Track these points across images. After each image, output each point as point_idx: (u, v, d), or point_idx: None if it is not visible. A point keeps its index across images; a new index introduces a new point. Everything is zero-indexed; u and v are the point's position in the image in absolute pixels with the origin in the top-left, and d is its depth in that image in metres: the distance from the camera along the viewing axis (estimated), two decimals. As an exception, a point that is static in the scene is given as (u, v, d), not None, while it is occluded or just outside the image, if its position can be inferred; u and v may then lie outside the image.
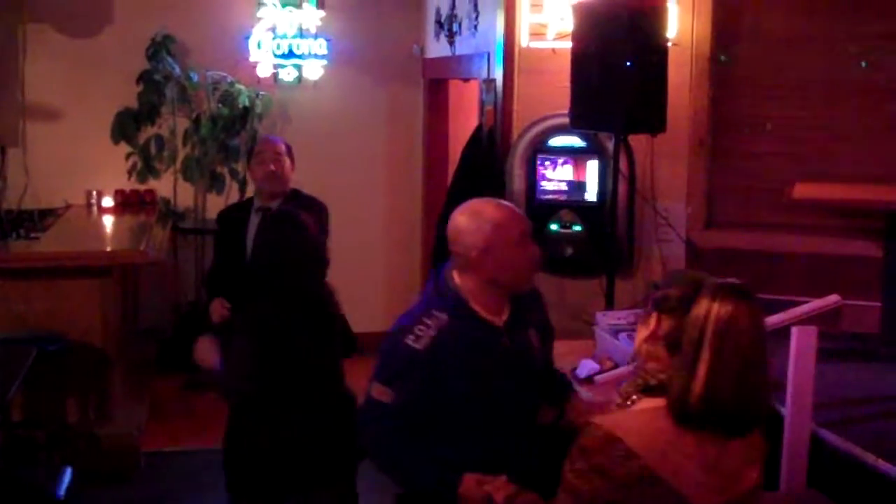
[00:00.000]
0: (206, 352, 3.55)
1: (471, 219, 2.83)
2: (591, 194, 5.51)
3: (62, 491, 3.75)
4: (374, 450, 2.90)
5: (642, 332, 2.35)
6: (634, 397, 2.31)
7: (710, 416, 2.17)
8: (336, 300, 3.74)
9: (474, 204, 2.89)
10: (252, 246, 3.87)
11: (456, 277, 2.87)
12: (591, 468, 2.19)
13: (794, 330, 3.74)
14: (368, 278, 7.51)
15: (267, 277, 3.51)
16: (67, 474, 3.89)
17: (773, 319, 4.00)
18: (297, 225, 3.56)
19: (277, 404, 3.46)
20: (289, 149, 4.80)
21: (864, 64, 5.28)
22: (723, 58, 5.50)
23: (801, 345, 3.72)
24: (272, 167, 4.66)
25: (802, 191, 5.01)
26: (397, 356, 2.79)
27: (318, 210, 4.63)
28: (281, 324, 3.43)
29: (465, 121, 7.03)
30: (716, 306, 2.14)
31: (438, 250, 5.91)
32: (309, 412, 3.50)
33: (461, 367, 2.80)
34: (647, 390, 2.29)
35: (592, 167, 5.51)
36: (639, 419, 2.25)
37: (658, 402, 2.24)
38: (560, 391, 3.17)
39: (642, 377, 2.32)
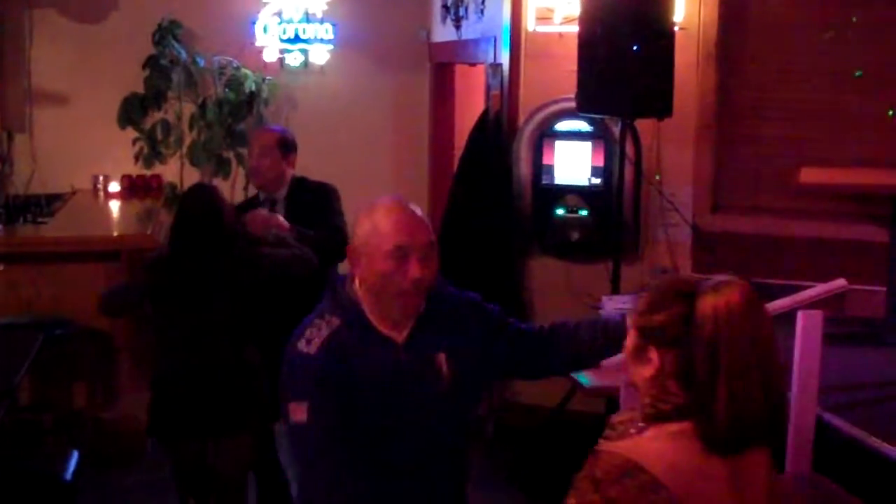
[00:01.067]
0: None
1: (364, 213, 2.55)
2: (598, 179, 5.50)
3: (69, 474, 3.76)
4: (315, 485, 2.51)
5: (642, 370, 2.01)
6: (641, 425, 2.00)
7: (744, 435, 1.91)
8: (255, 266, 4.01)
9: (381, 200, 2.58)
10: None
11: (354, 282, 2.57)
12: (605, 501, 1.88)
13: (800, 314, 3.73)
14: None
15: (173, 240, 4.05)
16: (75, 458, 3.91)
17: (778, 304, 4.01)
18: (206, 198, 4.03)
19: (171, 354, 3.98)
20: (282, 141, 4.66)
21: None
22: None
23: (807, 329, 3.72)
24: (254, 162, 4.63)
25: (809, 175, 5.01)
26: (294, 366, 2.49)
27: (324, 193, 4.68)
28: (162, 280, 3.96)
29: (471, 105, 7.01)
30: (721, 308, 1.89)
31: (444, 236, 5.92)
32: (201, 364, 3.92)
33: (352, 378, 2.47)
34: (660, 418, 1.97)
35: (599, 152, 5.50)
36: (658, 445, 1.94)
37: (676, 426, 1.94)
38: None
39: (651, 406, 1.99)
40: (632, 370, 2.05)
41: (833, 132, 5.45)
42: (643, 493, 1.86)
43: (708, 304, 1.90)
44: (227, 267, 3.92)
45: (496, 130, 5.74)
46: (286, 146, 4.66)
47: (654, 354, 1.98)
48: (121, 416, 5.47)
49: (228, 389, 3.92)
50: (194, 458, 3.99)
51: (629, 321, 2.06)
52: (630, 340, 2.04)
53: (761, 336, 1.90)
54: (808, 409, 3.76)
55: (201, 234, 3.92)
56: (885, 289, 4.96)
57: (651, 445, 1.93)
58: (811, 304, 3.89)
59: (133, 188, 7.26)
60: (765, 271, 5.30)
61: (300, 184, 4.69)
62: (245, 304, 3.98)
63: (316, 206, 4.57)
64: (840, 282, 3.96)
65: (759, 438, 1.95)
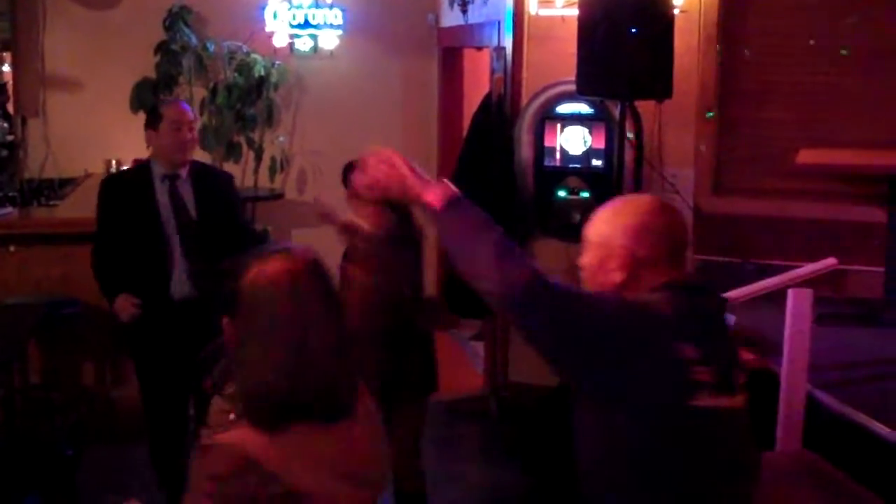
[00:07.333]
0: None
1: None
2: (599, 161, 5.54)
3: (70, 449, 3.85)
4: None
5: None
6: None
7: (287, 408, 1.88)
8: None
9: None
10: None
11: None
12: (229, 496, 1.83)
13: (790, 292, 3.78)
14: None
15: None
16: (77, 433, 3.99)
17: (769, 282, 4.06)
18: None
19: None
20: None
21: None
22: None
23: (797, 307, 3.76)
24: (189, 135, 4.47)
25: (807, 157, 5.03)
26: None
27: (225, 179, 4.74)
28: None
29: (479, 89, 7.05)
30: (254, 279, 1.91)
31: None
32: None
33: None
34: None
35: (600, 134, 5.54)
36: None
37: None
38: None
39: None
40: None
41: (834, 114, 5.47)
42: (262, 486, 1.83)
43: (247, 276, 1.92)
44: None
45: (499, 113, 5.79)
46: None
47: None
48: (129, 395, 5.55)
49: None
50: None
51: None
52: None
53: (294, 305, 1.90)
54: (797, 386, 3.81)
55: None
56: (883, 269, 4.99)
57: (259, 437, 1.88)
58: (802, 283, 3.93)
59: (145, 172, 7.33)
60: (765, 252, 5.34)
61: (201, 165, 4.71)
62: None
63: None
64: (830, 260, 4.01)
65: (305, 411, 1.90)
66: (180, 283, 4.35)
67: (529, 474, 5.18)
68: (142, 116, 7.13)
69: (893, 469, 3.59)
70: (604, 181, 5.47)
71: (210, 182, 4.54)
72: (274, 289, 1.90)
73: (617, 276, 2.27)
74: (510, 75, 5.75)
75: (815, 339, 3.84)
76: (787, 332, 3.77)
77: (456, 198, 2.20)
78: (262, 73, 7.22)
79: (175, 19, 7.16)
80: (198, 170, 4.54)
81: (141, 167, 4.60)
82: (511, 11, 5.71)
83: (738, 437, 2.26)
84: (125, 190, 4.48)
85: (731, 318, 4.31)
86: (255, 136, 7.40)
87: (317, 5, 7.26)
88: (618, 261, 2.27)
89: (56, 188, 6.86)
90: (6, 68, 7.28)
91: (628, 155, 5.28)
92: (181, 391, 4.43)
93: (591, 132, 5.55)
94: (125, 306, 4.26)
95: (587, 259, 2.33)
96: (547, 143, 5.60)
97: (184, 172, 4.44)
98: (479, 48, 6.84)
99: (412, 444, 4.12)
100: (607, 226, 2.32)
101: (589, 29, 4.96)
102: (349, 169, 4.10)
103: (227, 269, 1.95)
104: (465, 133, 6.98)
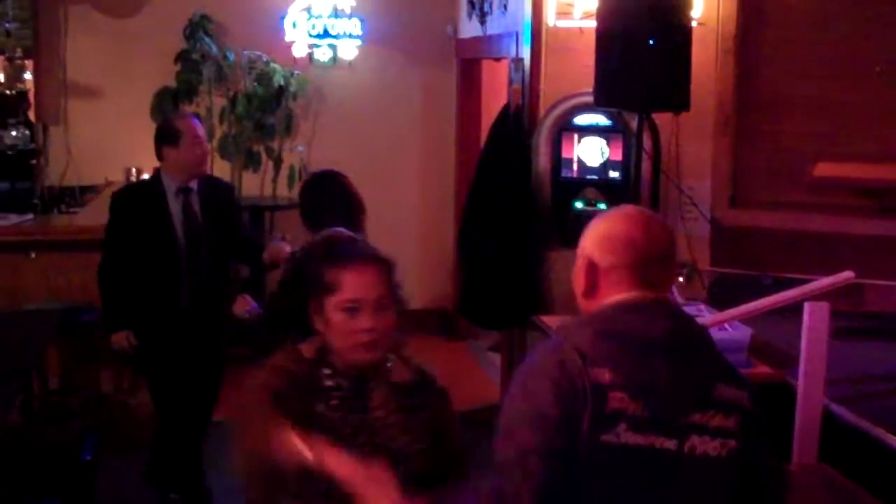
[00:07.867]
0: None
1: None
2: (616, 172, 5.54)
3: (88, 454, 3.87)
4: None
5: None
6: None
7: None
8: None
9: None
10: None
11: None
12: None
13: (807, 305, 3.76)
14: (401, 256, 7.55)
15: None
16: (94, 439, 4.01)
17: (786, 295, 4.04)
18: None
19: None
20: None
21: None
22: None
23: (814, 320, 3.74)
24: (206, 149, 4.64)
25: (824, 170, 5.03)
26: None
27: (227, 190, 4.90)
28: None
29: (497, 100, 7.05)
30: None
31: (465, 229, 5.99)
32: None
33: None
34: None
35: (617, 145, 5.54)
36: None
37: None
38: None
39: None
40: None
41: (852, 126, 5.45)
42: None
43: None
44: None
45: (516, 124, 5.80)
46: None
47: None
48: (146, 401, 5.57)
49: None
50: None
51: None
52: None
53: None
54: (814, 400, 3.79)
55: None
56: (901, 283, 4.97)
57: None
58: (819, 296, 3.91)
59: (165, 180, 7.37)
60: (782, 265, 5.33)
61: (207, 176, 4.84)
62: None
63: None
64: (847, 274, 3.98)
65: None
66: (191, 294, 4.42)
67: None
68: (162, 125, 7.26)
69: (910, 483, 3.57)
70: (621, 193, 5.45)
71: (215, 193, 4.67)
72: None
73: (581, 287, 2.17)
74: (528, 86, 5.76)
75: (833, 352, 3.83)
76: (803, 346, 3.76)
77: None
78: (282, 82, 7.27)
79: (195, 28, 7.21)
80: (204, 182, 4.64)
81: (152, 179, 4.71)
82: (529, 23, 5.73)
83: (687, 490, 2.00)
84: (137, 202, 4.57)
85: (746, 332, 4.30)
86: (274, 145, 7.45)
87: (336, 15, 7.31)
88: (582, 270, 2.16)
89: (77, 196, 6.92)
90: (28, 76, 7.35)
91: (645, 167, 5.28)
92: (194, 398, 4.49)
93: (608, 144, 5.55)
94: (122, 345, 4.44)
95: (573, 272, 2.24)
96: (564, 155, 5.60)
97: (195, 185, 4.55)
98: (497, 59, 6.86)
99: None
100: (583, 237, 2.23)
101: (607, 40, 4.97)
102: None
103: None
104: (482, 143, 7.00)
